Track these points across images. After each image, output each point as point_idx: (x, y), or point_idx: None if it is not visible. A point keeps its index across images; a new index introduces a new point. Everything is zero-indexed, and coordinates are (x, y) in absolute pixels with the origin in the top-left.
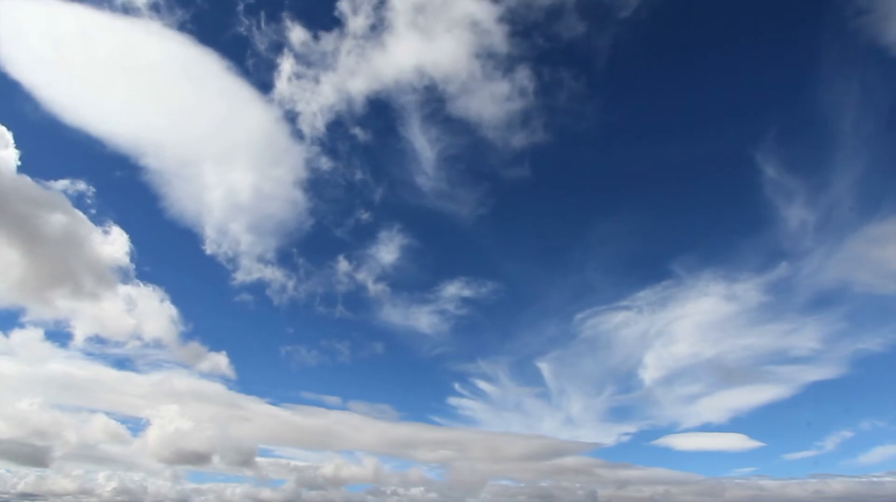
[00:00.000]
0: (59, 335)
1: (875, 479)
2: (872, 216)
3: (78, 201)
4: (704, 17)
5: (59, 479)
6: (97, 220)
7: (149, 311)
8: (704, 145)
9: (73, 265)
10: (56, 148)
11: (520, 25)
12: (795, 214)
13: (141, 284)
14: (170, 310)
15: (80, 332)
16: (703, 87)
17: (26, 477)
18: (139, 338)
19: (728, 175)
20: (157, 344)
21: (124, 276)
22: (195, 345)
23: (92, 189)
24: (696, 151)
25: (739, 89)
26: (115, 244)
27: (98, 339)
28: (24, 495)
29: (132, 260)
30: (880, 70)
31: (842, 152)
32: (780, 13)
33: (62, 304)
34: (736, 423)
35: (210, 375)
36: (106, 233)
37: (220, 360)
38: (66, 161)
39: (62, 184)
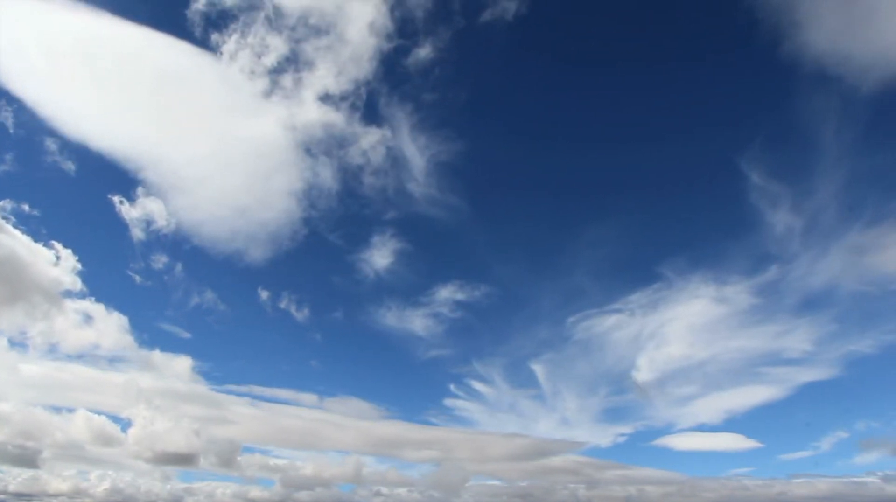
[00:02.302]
0: (21, 344)
1: (857, 480)
2: (856, 222)
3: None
4: (692, 29)
5: (51, 479)
6: (43, 239)
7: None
8: (691, 151)
9: (18, 284)
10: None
11: None
12: (781, 219)
13: (92, 299)
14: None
15: (40, 342)
16: (690, 94)
17: (19, 477)
18: (100, 347)
19: (715, 180)
20: (128, 351)
21: (77, 293)
22: (181, 354)
23: (37, 211)
24: (682, 157)
25: (724, 98)
26: (61, 263)
27: (63, 349)
28: (19, 495)
29: (82, 278)
30: (858, 83)
31: (824, 161)
32: (759, 27)
33: (17, 320)
34: (731, 424)
35: (196, 379)
36: (53, 251)
37: (200, 365)
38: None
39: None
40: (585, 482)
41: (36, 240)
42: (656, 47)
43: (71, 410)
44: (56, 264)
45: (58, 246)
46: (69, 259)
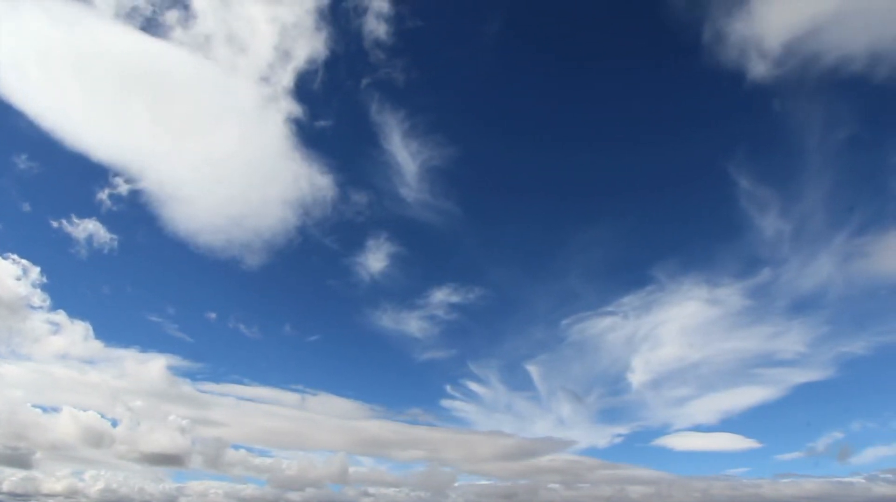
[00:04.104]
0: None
1: (845, 480)
2: (844, 227)
3: None
4: (680, 34)
5: (45, 479)
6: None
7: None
8: (680, 156)
9: None
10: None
11: None
12: (770, 224)
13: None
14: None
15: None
16: (675, 97)
17: (11, 477)
18: (88, 349)
19: (704, 185)
20: (114, 353)
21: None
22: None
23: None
24: (671, 161)
25: (709, 103)
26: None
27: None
28: (13, 494)
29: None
30: (840, 91)
31: (811, 167)
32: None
33: None
34: (727, 424)
35: (186, 381)
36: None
37: (191, 366)
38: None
39: None
40: (576, 481)
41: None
42: (647, 51)
43: (57, 410)
44: (22, 277)
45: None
46: (32, 270)
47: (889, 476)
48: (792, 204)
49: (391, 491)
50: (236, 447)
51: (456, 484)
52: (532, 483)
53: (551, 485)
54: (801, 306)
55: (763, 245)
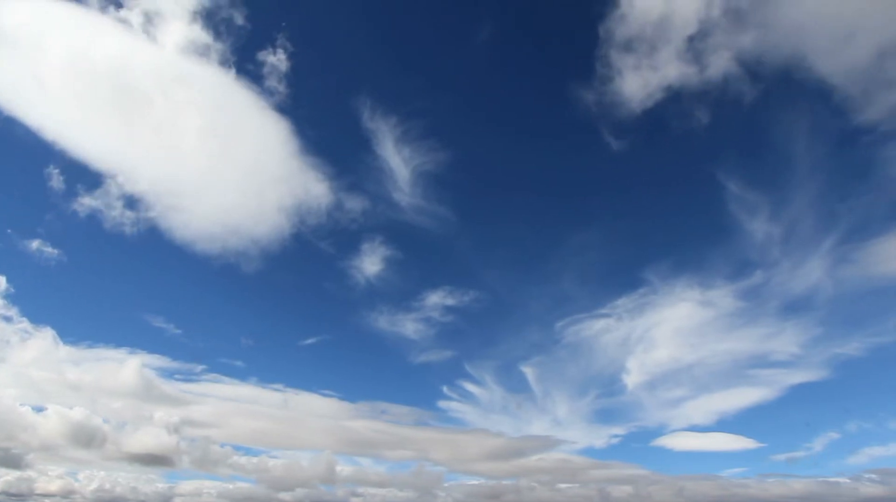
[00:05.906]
0: None
1: (832, 480)
2: (832, 231)
3: None
4: None
5: (39, 478)
6: None
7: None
8: (669, 160)
9: None
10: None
11: None
12: (760, 227)
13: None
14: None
15: None
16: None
17: (5, 477)
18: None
19: (693, 189)
20: (101, 353)
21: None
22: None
23: None
24: (661, 165)
25: (699, 108)
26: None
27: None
28: (7, 494)
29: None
30: (826, 100)
31: (798, 173)
32: None
33: None
34: (722, 425)
35: (177, 381)
36: None
37: (182, 366)
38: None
39: None
40: (566, 480)
41: None
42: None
43: (43, 410)
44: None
45: None
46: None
47: (873, 476)
48: (781, 208)
49: (381, 490)
50: (231, 447)
51: (445, 484)
52: (521, 482)
53: (541, 484)
54: (794, 308)
55: (754, 248)
